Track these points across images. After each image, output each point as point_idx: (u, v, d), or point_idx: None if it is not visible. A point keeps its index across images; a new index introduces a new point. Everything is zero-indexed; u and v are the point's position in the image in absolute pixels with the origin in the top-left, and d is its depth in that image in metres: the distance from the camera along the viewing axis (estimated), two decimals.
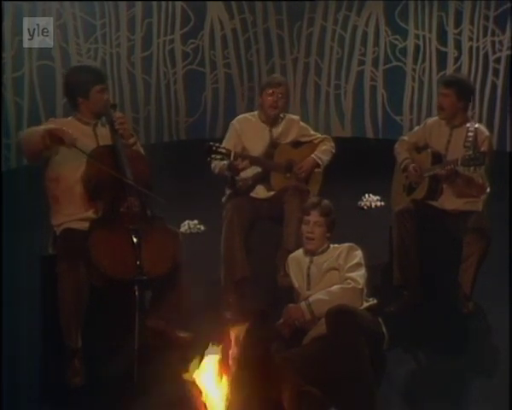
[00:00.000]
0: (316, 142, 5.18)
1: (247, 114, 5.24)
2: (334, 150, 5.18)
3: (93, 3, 7.67)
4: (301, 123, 5.24)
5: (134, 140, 4.42)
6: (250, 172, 4.98)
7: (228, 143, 5.01)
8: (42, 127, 4.13)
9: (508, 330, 4.38)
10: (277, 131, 5.10)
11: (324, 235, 4.14)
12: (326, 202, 4.22)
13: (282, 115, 5.13)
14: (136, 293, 4.00)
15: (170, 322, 4.32)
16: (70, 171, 4.21)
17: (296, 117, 5.27)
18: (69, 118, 4.41)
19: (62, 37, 7.51)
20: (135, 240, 4.08)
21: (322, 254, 4.14)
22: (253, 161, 4.95)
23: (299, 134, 5.16)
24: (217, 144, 4.87)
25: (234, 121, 5.16)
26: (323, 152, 5.13)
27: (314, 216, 4.14)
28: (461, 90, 4.85)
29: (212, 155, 4.83)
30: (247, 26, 8.40)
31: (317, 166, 5.10)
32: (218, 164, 4.91)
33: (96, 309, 4.10)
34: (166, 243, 4.23)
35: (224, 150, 4.84)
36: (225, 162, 4.87)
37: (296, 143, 5.15)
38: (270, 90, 5.01)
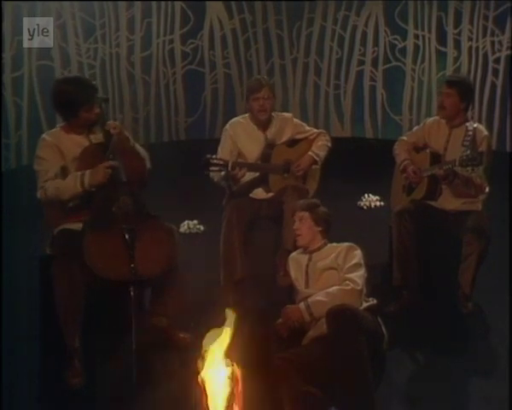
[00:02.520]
0: (311, 138, 5.15)
1: (239, 118, 5.19)
2: (329, 144, 5.16)
3: (92, 3, 7.67)
4: (295, 120, 5.21)
5: (132, 143, 4.42)
6: (248, 176, 4.97)
7: (223, 151, 5.00)
8: (77, 180, 4.11)
9: (507, 330, 4.38)
10: (271, 131, 5.06)
11: (312, 229, 4.16)
12: (313, 199, 4.33)
13: (273, 114, 5.10)
14: (132, 294, 3.99)
15: (171, 320, 4.32)
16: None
17: (288, 115, 5.25)
18: (62, 126, 4.34)
19: (62, 37, 7.51)
20: (128, 240, 4.04)
21: (320, 250, 4.15)
22: (251, 167, 4.94)
23: (294, 132, 5.13)
24: (214, 156, 4.85)
25: (227, 127, 5.13)
26: (320, 148, 5.11)
27: (298, 213, 4.22)
28: (463, 91, 4.86)
29: (211, 168, 4.83)
30: (246, 26, 8.39)
31: (315, 162, 5.09)
32: (216, 174, 4.91)
33: (94, 310, 4.11)
34: (161, 242, 4.20)
35: (221, 162, 4.82)
36: (223, 173, 4.87)
37: (292, 142, 5.12)
38: (254, 96, 4.97)
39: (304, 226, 4.16)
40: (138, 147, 4.49)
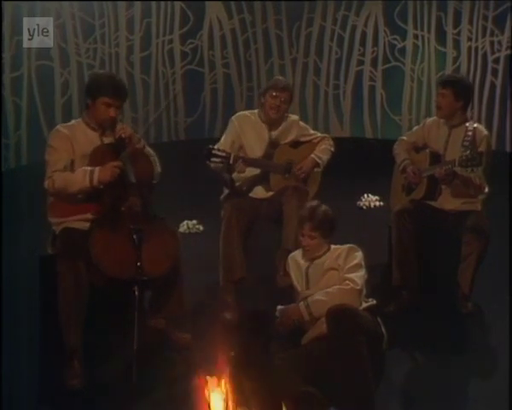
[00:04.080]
0: (315, 141, 5.17)
1: (246, 112, 5.21)
2: (333, 149, 5.17)
3: (92, 3, 7.67)
4: (301, 123, 5.23)
5: (142, 144, 4.43)
6: (249, 172, 4.98)
7: (225, 141, 5.00)
8: (86, 175, 4.11)
9: (507, 330, 4.38)
10: (277, 131, 5.08)
11: (320, 243, 4.11)
12: (320, 212, 4.09)
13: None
14: (136, 293, 4.00)
15: (170, 321, 4.32)
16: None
17: (296, 117, 5.25)
18: (78, 120, 4.38)
19: (61, 37, 7.50)
20: (135, 240, 4.06)
21: (323, 255, 4.13)
22: (253, 163, 4.95)
23: (298, 134, 5.15)
24: (216, 147, 4.87)
25: (233, 118, 5.13)
26: (323, 151, 5.12)
27: (307, 230, 4.07)
28: (458, 90, 4.85)
29: (212, 159, 4.84)
30: (245, 26, 8.39)
31: (317, 165, 5.10)
32: (215, 164, 4.92)
33: (95, 309, 4.10)
34: (167, 244, 4.22)
35: (223, 154, 4.84)
36: (224, 164, 4.87)
37: (295, 143, 5.13)
38: (274, 93, 4.98)
39: (313, 243, 4.11)
40: (149, 150, 4.49)
